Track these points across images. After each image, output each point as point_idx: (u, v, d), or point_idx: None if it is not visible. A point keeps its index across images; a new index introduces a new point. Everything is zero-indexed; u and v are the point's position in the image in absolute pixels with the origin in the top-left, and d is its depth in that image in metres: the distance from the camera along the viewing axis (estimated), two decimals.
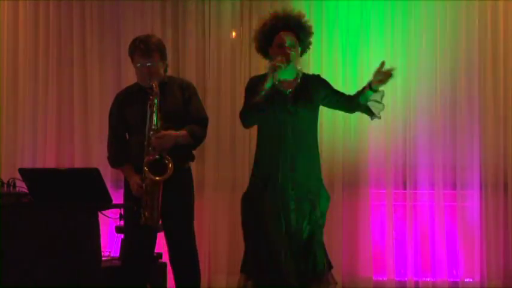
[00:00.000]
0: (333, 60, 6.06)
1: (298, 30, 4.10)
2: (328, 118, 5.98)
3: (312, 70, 5.97)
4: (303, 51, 4.21)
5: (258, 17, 6.11)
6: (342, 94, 4.26)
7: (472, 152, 5.97)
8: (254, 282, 4.06)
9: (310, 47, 4.28)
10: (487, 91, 5.98)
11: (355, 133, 6.05)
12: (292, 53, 4.05)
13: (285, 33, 4.09)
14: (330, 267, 4.18)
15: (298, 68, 4.21)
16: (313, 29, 4.24)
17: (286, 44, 4.06)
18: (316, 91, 4.15)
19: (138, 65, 4.35)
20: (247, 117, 4.10)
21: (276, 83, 4.07)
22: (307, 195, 4.06)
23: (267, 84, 3.95)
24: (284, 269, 3.95)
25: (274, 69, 3.96)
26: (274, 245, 3.98)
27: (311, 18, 5.96)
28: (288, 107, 4.07)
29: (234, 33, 6.23)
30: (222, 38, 6.20)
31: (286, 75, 4.12)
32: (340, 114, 5.98)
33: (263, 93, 3.94)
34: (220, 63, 6.18)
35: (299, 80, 4.15)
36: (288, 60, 4.03)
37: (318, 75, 4.28)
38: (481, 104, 5.99)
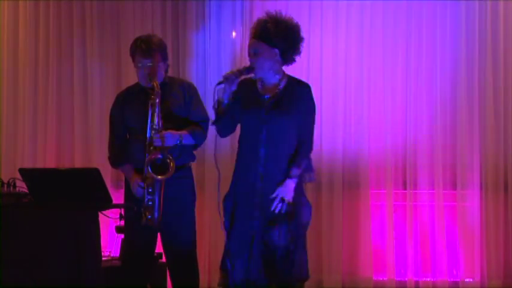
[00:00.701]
0: (334, 60, 6.06)
1: (262, 36, 3.97)
2: (328, 118, 5.99)
3: (312, 71, 6.02)
4: (286, 53, 4.01)
5: (258, 17, 6.12)
6: (304, 137, 4.01)
7: (472, 152, 5.96)
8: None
9: (296, 45, 4.04)
10: (487, 91, 5.98)
11: (355, 133, 6.05)
12: (257, 60, 3.97)
13: (250, 42, 4.05)
14: (307, 277, 4.13)
15: (270, 71, 4.03)
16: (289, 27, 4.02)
17: (251, 53, 4.01)
18: (296, 103, 4.00)
19: (139, 65, 4.34)
20: (216, 127, 4.08)
21: (260, 87, 4.03)
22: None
23: (221, 96, 3.93)
24: (232, 275, 3.98)
25: (224, 79, 3.94)
26: (228, 252, 4.02)
27: (311, 18, 6.02)
28: (262, 113, 3.98)
29: (234, 33, 6.23)
30: (222, 38, 6.20)
31: (266, 81, 4.04)
32: (339, 114, 6.01)
33: (219, 104, 3.95)
34: (220, 63, 6.18)
35: (281, 87, 4.03)
36: (248, 68, 3.98)
37: (308, 88, 4.07)
38: (481, 104, 5.99)
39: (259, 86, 4.05)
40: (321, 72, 6.03)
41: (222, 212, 4.09)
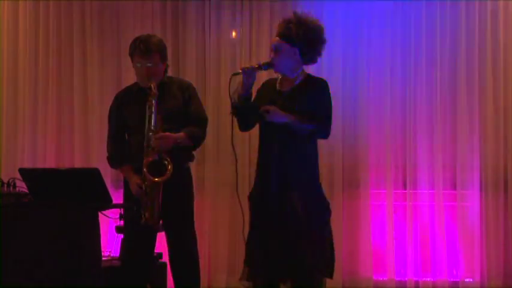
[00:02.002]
0: (332, 59, 6.05)
1: (284, 35, 4.10)
2: None
3: (309, 69, 6.01)
4: (306, 53, 4.12)
5: (258, 17, 6.14)
6: (320, 115, 4.14)
7: (472, 152, 5.97)
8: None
9: (317, 47, 4.15)
10: (487, 91, 5.98)
11: (355, 133, 6.05)
12: (277, 57, 4.08)
13: (273, 39, 4.19)
14: (325, 272, 4.16)
15: (290, 68, 4.14)
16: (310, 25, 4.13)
17: (272, 49, 4.13)
18: (309, 96, 4.11)
19: (138, 65, 4.34)
20: (237, 120, 4.16)
21: (278, 82, 4.15)
22: (295, 195, 4.02)
23: (240, 88, 4.04)
24: (259, 267, 4.01)
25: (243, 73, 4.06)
26: (251, 244, 4.08)
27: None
28: (277, 106, 4.06)
29: (234, 33, 6.23)
30: (222, 38, 6.21)
31: (284, 77, 4.16)
32: (339, 114, 6.00)
33: (239, 96, 4.04)
34: (220, 63, 6.18)
35: (296, 83, 4.14)
36: (268, 64, 4.09)
37: (324, 82, 4.20)
38: (481, 103, 5.99)
39: (277, 82, 4.17)
40: (320, 71, 6.01)
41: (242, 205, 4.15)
